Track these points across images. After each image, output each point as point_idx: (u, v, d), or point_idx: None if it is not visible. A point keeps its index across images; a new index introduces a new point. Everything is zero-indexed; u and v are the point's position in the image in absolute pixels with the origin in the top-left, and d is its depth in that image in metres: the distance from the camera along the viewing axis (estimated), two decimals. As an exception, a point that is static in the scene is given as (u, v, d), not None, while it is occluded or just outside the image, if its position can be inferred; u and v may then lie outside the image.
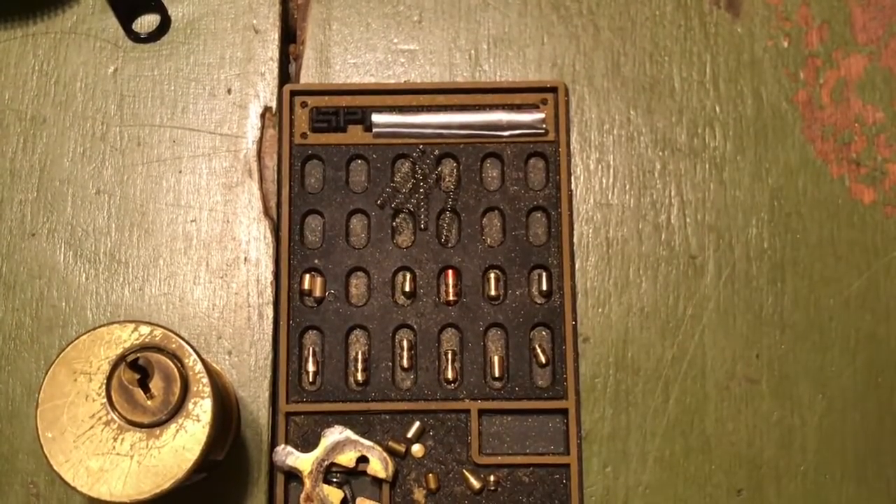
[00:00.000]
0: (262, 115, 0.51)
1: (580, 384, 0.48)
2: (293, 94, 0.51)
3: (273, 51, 0.52)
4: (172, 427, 0.40)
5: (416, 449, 0.47)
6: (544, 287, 0.49)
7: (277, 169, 0.50)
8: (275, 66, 0.52)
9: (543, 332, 0.49)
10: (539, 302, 0.49)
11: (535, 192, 0.50)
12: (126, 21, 0.52)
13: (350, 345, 0.49)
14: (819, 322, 0.49)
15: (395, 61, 0.52)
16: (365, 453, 0.46)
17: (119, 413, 0.40)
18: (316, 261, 0.49)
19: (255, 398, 0.48)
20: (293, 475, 0.46)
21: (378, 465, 0.46)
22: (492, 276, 0.49)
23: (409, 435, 0.47)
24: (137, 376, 0.40)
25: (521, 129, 0.50)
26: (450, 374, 0.48)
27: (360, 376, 0.48)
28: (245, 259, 0.49)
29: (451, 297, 0.49)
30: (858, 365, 0.48)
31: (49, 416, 0.40)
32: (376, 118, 0.50)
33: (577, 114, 0.51)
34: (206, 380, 0.41)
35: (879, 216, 0.50)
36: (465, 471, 0.47)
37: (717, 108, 0.51)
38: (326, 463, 0.46)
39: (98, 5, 0.52)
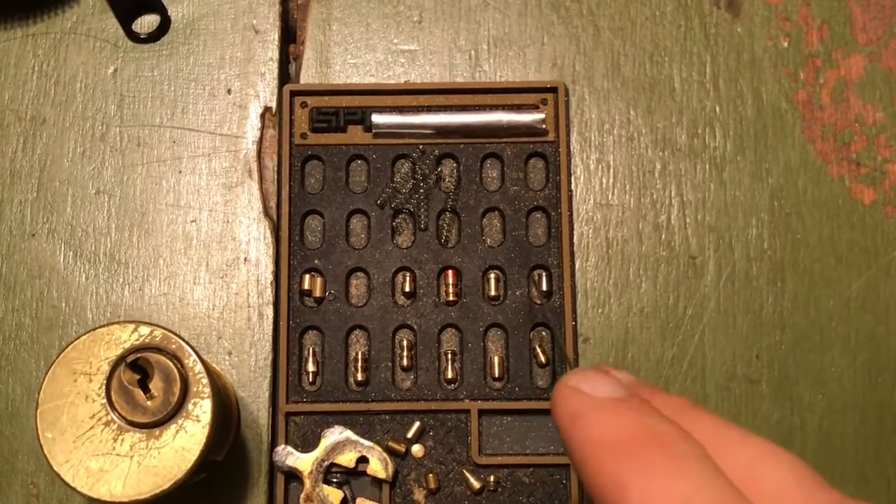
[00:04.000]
0: (262, 116, 0.51)
1: (580, 384, 0.48)
2: (293, 94, 0.51)
3: (273, 51, 0.52)
4: (172, 427, 0.40)
5: (416, 449, 0.47)
6: (544, 287, 0.49)
7: (277, 169, 0.50)
8: (275, 66, 0.52)
9: (543, 333, 0.49)
10: (539, 302, 0.49)
11: (535, 193, 0.50)
12: (126, 21, 0.52)
13: (350, 345, 0.49)
14: (819, 322, 0.49)
15: (395, 61, 0.52)
16: (365, 453, 0.46)
17: (119, 413, 0.40)
18: (316, 261, 0.49)
19: (255, 398, 0.48)
20: (293, 475, 0.46)
21: (378, 466, 0.46)
22: (492, 276, 0.49)
23: (409, 435, 0.47)
24: (137, 377, 0.40)
25: (521, 130, 0.50)
26: (450, 375, 0.48)
27: (360, 376, 0.48)
28: (245, 259, 0.49)
29: (451, 298, 0.49)
30: (858, 365, 0.48)
31: (49, 417, 0.40)
32: (376, 118, 0.50)
33: (577, 114, 0.51)
34: (206, 380, 0.41)
35: (879, 216, 0.50)
36: (465, 471, 0.47)
37: (717, 108, 0.51)
38: (326, 463, 0.46)
39: (98, 5, 0.52)
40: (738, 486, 0.24)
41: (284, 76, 0.53)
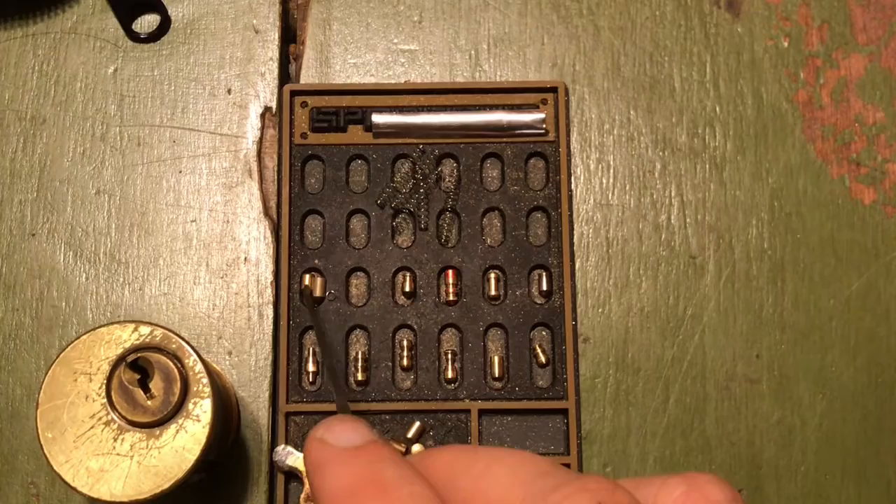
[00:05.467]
0: (262, 116, 0.51)
1: (580, 384, 0.48)
2: (293, 94, 0.51)
3: (273, 51, 0.52)
4: (172, 427, 0.40)
5: (417, 449, 0.47)
6: (544, 287, 0.49)
7: (277, 169, 0.50)
8: (275, 66, 0.52)
9: (543, 332, 0.49)
10: (539, 302, 0.49)
11: (535, 193, 0.50)
12: (126, 21, 0.52)
13: (350, 345, 0.49)
14: (819, 322, 0.49)
15: (395, 61, 0.52)
16: (365, 453, 0.46)
17: (119, 413, 0.40)
18: (316, 261, 0.49)
19: (255, 398, 0.48)
20: (293, 475, 0.46)
21: (378, 466, 0.46)
22: (492, 276, 0.49)
23: (410, 435, 0.47)
24: (137, 376, 0.40)
25: (521, 129, 0.50)
26: (450, 374, 0.48)
27: (360, 376, 0.48)
28: (245, 259, 0.49)
29: (451, 297, 0.49)
30: (858, 365, 0.48)
31: (49, 417, 0.40)
32: (376, 118, 0.50)
33: (577, 114, 0.51)
34: (206, 380, 0.41)
35: (879, 216, 0.50)
36: (465, 471, 0.47)
37: (717, 108, 0.51)
38: (326, 463, 0.46)
39: (98, 5, 0.52)
40: None
41: (284, 76, 0.53)
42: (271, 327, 0.49)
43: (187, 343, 0.41)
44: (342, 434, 0.27)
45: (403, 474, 0.26)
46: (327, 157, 0.50)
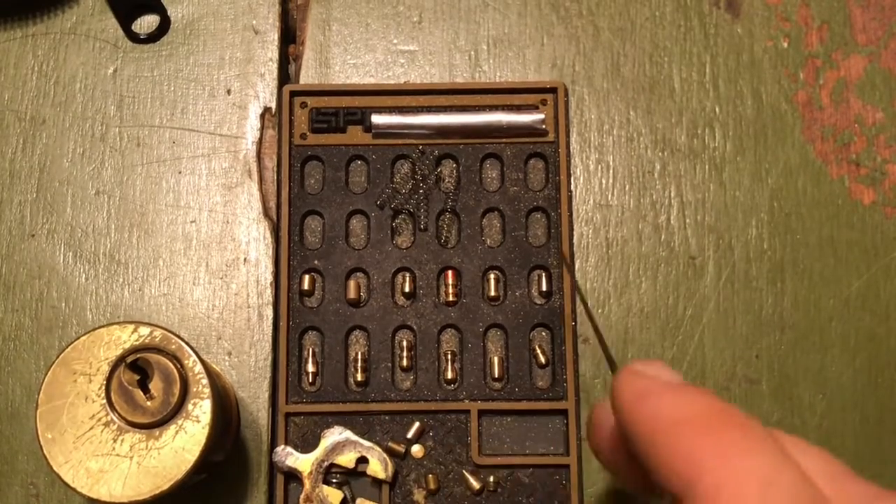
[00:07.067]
0: (262, 116, 0.51)
1: (580, 385, 0.48)
2: (293, 94, 0.51)
3: (273, 51, 0.52)
4: (172, 428, 0.40)
5: (416, 450, 0.47)
6: (544, 288, 0.49)
7: (277, 170, 0.50)
8: (274, 66, 0.52)
9: (543, 333, 0.49)
10: (539, 302, 0.49)
11: (534, 193, 0.50)
12: (126, 21, 0.52)
13: (350, 345, 0.49)
14: (819, 322, 0.49)
15: (394, 62, 0.52)
16: (364, 454, 0.46)
17: (119, 414, 0.40)
18: (316, 261, 0.49)
19: (254, 399, 0.48)
20: (293, 476, 0.46)
21: (378, 466, 0.46)
22: (491, 276, 0.49)
23: (409, 435, 0.47)
24: (137, 377, 0.40)
25: (521, 130, 0.50)
26: (449, 375, 0.48)
27: (359, 377, 0.48)
28: (245, 260, 0.49)
29: (450, 298, 0.49)
30: (858, 365, 0.48)
31: (48, 417, 0.40)
32: (376, 119, 0.50)
33: (577, 114, 0.51)
34: (205, 381, 0.41)
35: (879, 217, 0.50)
36: (464, 471, 0.47)
37: (717, 109, 0.51)
38: (326, 464, 0.46)
39: (98, 5, 0.52)
40: None
41: (284, 76, 0.53)
42: (271, 328, 0.49)
43: (187, 344, 0.41)
44: (664, 371, 0.25)
45: (747, 414, 0.23)
46: (327, 158, 0.50)
